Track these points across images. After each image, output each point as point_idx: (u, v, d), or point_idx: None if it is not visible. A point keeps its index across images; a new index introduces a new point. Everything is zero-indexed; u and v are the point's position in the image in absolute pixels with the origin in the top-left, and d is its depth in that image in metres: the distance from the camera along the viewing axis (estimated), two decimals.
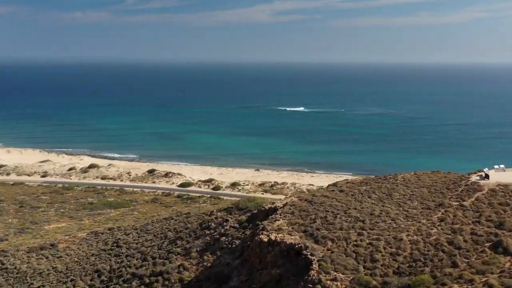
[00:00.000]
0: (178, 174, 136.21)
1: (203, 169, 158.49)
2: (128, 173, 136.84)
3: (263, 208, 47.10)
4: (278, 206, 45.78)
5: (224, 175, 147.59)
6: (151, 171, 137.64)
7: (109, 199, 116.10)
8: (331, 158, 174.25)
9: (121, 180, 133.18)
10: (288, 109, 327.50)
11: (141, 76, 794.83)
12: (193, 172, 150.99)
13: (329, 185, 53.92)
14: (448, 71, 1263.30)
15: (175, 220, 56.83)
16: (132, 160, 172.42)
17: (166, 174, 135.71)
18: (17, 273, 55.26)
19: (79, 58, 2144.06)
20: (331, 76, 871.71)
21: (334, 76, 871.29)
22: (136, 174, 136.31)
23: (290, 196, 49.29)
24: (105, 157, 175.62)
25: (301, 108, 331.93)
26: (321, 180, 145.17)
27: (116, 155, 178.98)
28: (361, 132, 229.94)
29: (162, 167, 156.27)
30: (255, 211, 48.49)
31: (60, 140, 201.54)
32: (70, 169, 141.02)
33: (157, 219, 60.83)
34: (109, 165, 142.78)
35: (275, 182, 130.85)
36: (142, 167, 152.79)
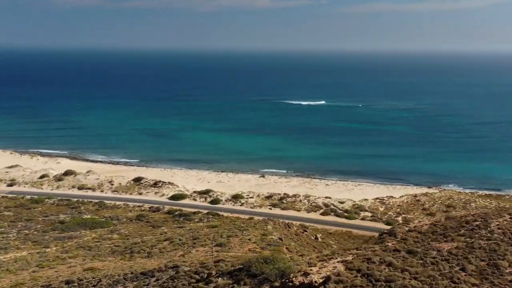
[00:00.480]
0: (169, 183, 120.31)
1: (199, 175, 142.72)
2: (110, 181, 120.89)
3: (290, 283, 31.17)
4: (315, 282, 29.82)
5: (224, 183, 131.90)
6: (138, 180, 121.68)
7: (84, 216, 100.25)
8: (346, 162, 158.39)
9: (102, 191, 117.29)
10: (303, 103, 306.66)
11: (134, 66, 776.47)
12: (188, 180, 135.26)
13: (383, 233, 38.23)
14: (471, 59, 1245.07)
15: (157, 279, 41.04)
16: (117, 163, 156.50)
17: (155, 183, 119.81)
18: None
19: (68, 46, 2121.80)
20: (347, 66, 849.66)
21: (351, 66, 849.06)
22: (120, 183, 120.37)
23: (329, 257, 33.45)
24: (87, 160, 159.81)
25: (322, 102, 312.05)
26: (338, 189, 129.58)
27: (100, 157, 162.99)
28: (381, 130, 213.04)
29: (151, 173, 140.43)
30: (277, 284, 32.59)
31: (36, 139, 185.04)
32: (42, 176, 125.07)
33: (132, 274, 44.96)
34: (88, 171, 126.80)
35: (284, 194, 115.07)
36: (128, 173, 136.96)
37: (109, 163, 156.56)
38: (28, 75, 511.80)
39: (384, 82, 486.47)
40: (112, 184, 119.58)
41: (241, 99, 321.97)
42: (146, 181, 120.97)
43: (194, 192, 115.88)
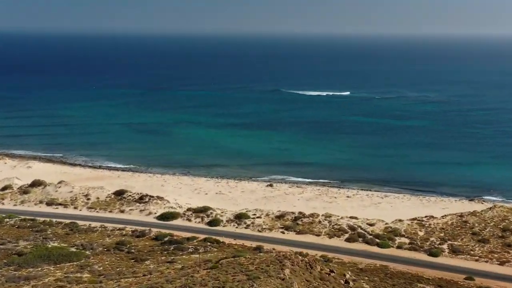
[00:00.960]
0: (158, 197, 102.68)
1: (195, 183, 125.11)
2: (86, 195, 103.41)
3: None
4: None
5: (225, 196, 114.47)
6: (120, 193, 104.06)
7: (50, 245, 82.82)
8: (367, 166, 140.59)
9: (75, 207, 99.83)
10: (323, 93, 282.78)
11: (122, 50, 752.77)
12: (181, 190, 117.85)
13: None
14: (491, 43, 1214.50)
15: None
16: (99, 167, 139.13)
17: (141, 198, 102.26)
18: None
19: (46, 29, 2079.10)
20: (359, 52, 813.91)
21: (368, 52, 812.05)
22: (98, 198, 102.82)
23: None
24: (64, 163, 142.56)
25: (347, 93, 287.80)
26: (362, 203, 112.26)
27: (80, 160, 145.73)
28: (406, 125, 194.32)
29: (137, 180, 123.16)
30: None
31: (9, 138, 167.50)
32: (4, 188, 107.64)
33: None
34: (60, 182, 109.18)
35: (300, 213, 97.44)
36: (110, 181, 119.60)
37: (90, 167, 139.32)
38: (12, 62, 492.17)
39: (406, 70, 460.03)
40: (88, 199, 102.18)
41: (249, 89, 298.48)
42: (130, 195, 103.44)
43: (189, 209, 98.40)
